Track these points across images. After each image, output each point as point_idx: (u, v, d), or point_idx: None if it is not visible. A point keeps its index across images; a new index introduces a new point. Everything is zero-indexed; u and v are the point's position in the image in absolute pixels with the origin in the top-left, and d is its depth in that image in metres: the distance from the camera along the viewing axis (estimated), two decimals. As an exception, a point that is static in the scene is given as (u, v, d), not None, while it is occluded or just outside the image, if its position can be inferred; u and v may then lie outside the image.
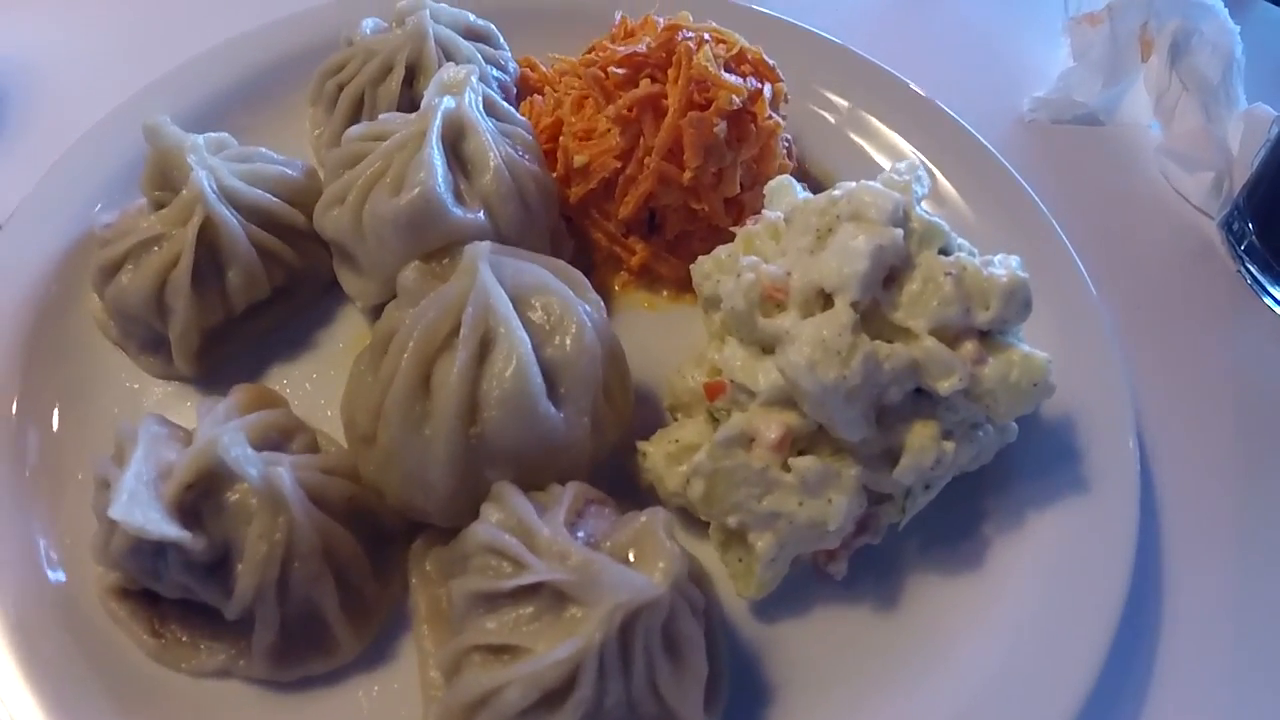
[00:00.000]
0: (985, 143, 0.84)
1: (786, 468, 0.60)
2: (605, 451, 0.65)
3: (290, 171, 0.73)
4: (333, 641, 0.60)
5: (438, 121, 0.67)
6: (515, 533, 0.55)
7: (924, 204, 0.66)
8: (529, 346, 0.59)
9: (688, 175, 0.71)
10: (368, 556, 0.61)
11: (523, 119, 0.75)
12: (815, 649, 0.64)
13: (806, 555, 0.65)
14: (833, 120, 0.88)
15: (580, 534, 0.55)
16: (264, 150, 0.74)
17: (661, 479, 0.64)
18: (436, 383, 0.59)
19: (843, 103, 0.89)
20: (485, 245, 0.63)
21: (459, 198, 0.67)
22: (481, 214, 0.67)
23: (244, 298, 0.69)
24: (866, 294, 0.59)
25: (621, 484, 0.67)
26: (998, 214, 0.81)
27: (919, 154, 0.85)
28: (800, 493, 0.60)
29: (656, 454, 0.64)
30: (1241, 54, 0.96)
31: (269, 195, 0.70)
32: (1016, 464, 0.70)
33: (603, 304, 0.66)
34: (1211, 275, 0.90)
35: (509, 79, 0.83)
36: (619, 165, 0.73)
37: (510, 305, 0.60)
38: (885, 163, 0.84)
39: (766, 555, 0.61)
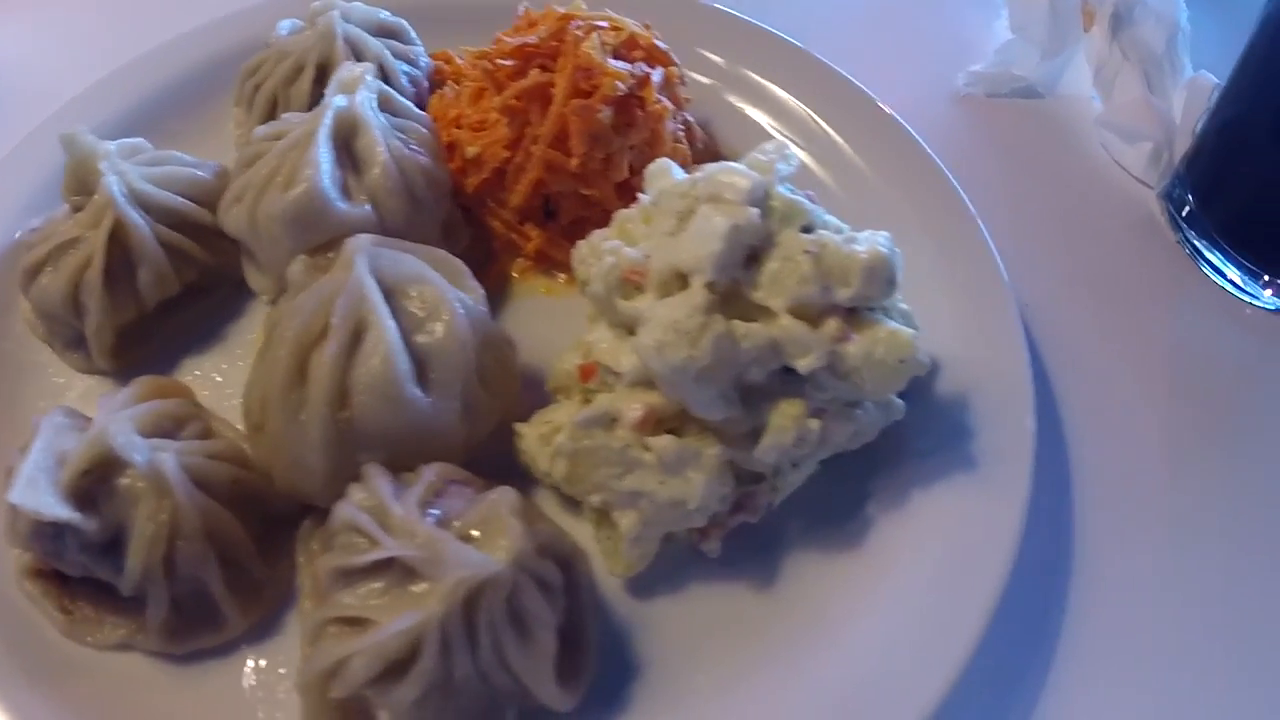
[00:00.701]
0: (896, 116, 0.83)
1: (648, 448, 0.61)
2: (482, 436, 0.67)
3: (201, 173, 0.76)
4: (221, 617, 0.63)
5: (328, 119, 0.70)
6: (372, 512, 0.58)
7: (826, 180, 0.66)
8: (397, 334, 0.62)
9: (575, 162, 0.73)
10: (255, 538, 0.64)
11: (421, 114, 0.77)
12: (693, 627, 0.64)
13: (683, 533, 0.66)
14: (741, 100, 0.88)
15: (435, 512, 0.57)
16: (177, 154, 0.77)
17: (535, 459, 0.66)
18: (311, 371, 0.62)
19: (760, 82, 0.89)
20: (365, 238, 0.65)
21: (347, 192, 0.70)
22: (368, 208, 0.69)
23: (155, 294, 0.73)
24: (723, 275, 0.60)
25: (506, 466, 0.68)
26: (906, 187, 0.80)
27: (831, 130, 0.84)
28: (660, 472, 0.61)
29: (531, 435, 0.66)
30: (1187, 21, 0.92)
31: (178, 197, 0.74)
32: (909, 443, 0.70)
33: (483, 292, 0.67)
34: (1152, 246, 0.88)
35: (420, 74, 0.85)
36: (508, 155, 0.74)
37: (380, 296, 0.62)
38: (795, 140, 0.84)
39: (631, 533, 0.62)
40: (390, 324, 0.62)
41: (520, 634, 0.56)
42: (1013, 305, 0.74)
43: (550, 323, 0.77)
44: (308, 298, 0.63)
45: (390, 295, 0.64)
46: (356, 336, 0.62)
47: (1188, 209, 0.87)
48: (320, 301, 0.63)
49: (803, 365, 0.60)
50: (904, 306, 0.68)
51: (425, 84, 0.85)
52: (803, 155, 0.83)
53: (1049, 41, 0.94)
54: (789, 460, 0.64)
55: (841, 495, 0.69)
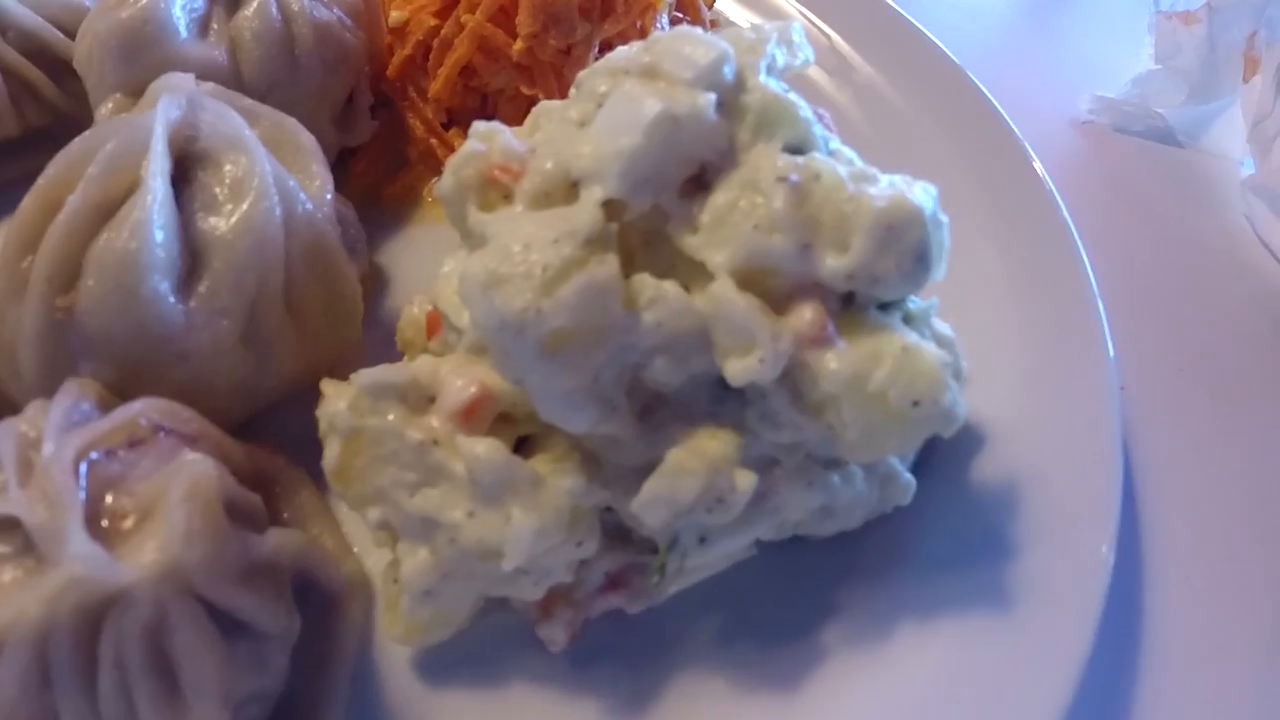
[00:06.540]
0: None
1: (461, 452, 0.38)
2: (283, 385, 0.46)
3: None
4: None
5: (212, -67, 0.53)
6: (23, 443, 0.38)
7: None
8: (162, 205, 0.43)
9: (519, 45, 0.51)
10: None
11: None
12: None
13: (521, 604, 0.42)
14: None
15: (97, 459, 0.37)
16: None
17: (329, 437, 0.43)
18: (46, 234, 0.43)
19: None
20: (189, 80, 0.47)
21: (204, 29, 0.52)
22: (221, 52, 0.51)
23: (-19, 130, 0.57)
24: (637, 194, 0.36)
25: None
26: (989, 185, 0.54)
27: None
28: (471, 494, 0.37)
29: (337, 399, 0.43)
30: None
31: (43, 21, 0.59)
32: (913, 546, 0.43)
33: (328, 185, 0.48)
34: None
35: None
36: (437, 24, 0.54)
37: (164, 152, 0.43)
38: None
39: (417, 582, 0.39)
40: (158, 187, 0.42)
41: (161, 691, 0.34)
42: (1112, 386, 0.46)
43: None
44: (80, 140, 0.45)
45: (194, 161, 0.45)
46: (115, 199, 0.43)
47: None
48: (88, 146, 0.44)
49: (736, 370, 0.35)
50: (944, 328, 0.42)
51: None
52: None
53: (1199, 82, 0.68)
54: (692, 529, 0.38)
55: (794, 609, 0.43)
